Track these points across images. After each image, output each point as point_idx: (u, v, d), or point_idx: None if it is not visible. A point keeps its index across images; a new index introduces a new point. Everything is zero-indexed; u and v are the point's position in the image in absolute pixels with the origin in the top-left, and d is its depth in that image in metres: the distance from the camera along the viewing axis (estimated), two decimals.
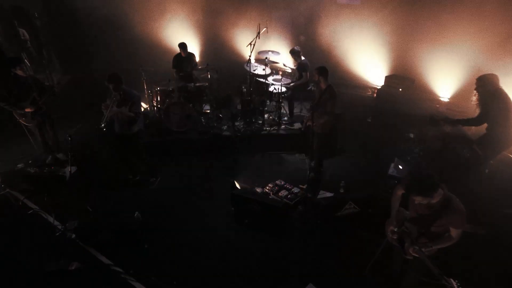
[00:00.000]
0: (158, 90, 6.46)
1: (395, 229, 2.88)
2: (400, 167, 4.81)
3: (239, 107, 6.96)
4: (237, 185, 5.02)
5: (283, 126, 6.36)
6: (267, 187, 5.13)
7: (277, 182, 5.23)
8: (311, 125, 4.83)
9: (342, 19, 7.71)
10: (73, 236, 4.20)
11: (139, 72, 6.64)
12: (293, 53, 6.50)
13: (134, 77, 6.59)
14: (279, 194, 4.97)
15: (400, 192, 3.02)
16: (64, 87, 6.76)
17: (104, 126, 4.21)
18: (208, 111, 6.63)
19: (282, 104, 6.51)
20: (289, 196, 4.93)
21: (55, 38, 7.85)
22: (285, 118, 6.57)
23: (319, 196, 4.93)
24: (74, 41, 7.81)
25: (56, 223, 4.37)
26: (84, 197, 4.53)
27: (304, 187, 5.17)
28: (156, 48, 8.28)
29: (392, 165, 4.99)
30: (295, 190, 5.05)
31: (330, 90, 4.64)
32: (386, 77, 6.77)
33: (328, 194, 5.00)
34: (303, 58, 6.56)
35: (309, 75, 6.37)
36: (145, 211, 4.53)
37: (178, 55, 6.91)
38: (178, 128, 6.12)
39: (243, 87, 6.93)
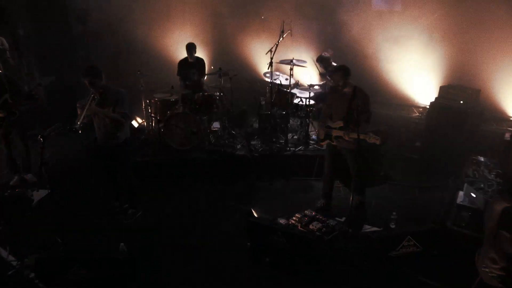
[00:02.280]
0: (157, 100, 6.19)
1: (499, 264, 2.23)
2: (473, 195, 4.26)
3: (255, 125, 6.72)
4: (255, 214, 4.62)
5: (311, 147, 6.03)
6: (294, 218, 4.62)
7: (307, 212, 4.74)
8: (339, 142, 4.49)
9: (379, 27, 7.54)
10: (32, 275, 3.74)
11: (137, 77, 6.46)
12: (321, 60, 6.31)
13: (130, 83, 6.45)
14: (310, 226, 4.43)
15: (501, 206, 2.40)
16: (45, 90, 6.60)
17: (80, 127, 3.89)
18: (217, 128, 6.41)
19: (310, 119, 6.18)
20: (323, 229, 4.38)
21: (40, 44, 7.85)
22: (314, 137, 6.24)
23: (363, 231, 4.42)
24: (64, 46, 7.78)
25: (10, 258, 3.99)
26: (54, 226, 4.14)
27: (343, 220, 4.63)
28: (159, 52, 8.23)
29: (462, 193, 4.47)
30: (331, 222, 4.53)
31: (361, 94, 4.37)
32: (442, 88, 6.35)
33: (375, 229, 4.43)
34: (334, 64, 6.33)
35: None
36: (134, 244, 4.14)
37: (184, 60, 6.71)
38: (181, 145, 5.90)
39: (261, 99, 6.69)
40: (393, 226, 4.53)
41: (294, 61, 6.26)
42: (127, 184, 4.63)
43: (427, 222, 4.27)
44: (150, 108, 6.33)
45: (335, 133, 4.53)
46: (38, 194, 5.00)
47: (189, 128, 5.85)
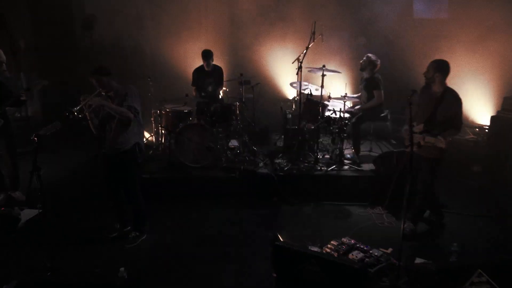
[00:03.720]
0: (169, 111, 6.14)
1: None
2: None
3: (279, 143, 6.62)
4: (281, 240, 4.19)
5: (346, 167, 5.81)
6: (329, 246, 4.25)
7: (344, 240, 4.37)
8: (420, 150, 4.32)
9: (422, 37, 7.42)
10: None
11: (146, 85, 6.44)
12: (368, 63, 6.06)
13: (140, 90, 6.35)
14: (350, 255, 4.02)
15: None
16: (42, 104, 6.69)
17: (75, 113, 3.73)
18: (235, 145, 6.30)
19: (345, 135, 5.94)
20: (366, 259, 3.96)
21: (43, 57, 8.00)
22: (349, 155, 6.08)
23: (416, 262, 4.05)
24: (68, 59, 7.94)
25: None
26: (43, 248, 3.91)
27: (389, 251, 4.22)
28: (171, 62, 8.20)
29: None
30: (376, 252, 4.12)
31: (452, 95, 4.24)
32: (506, 99, 6.01)
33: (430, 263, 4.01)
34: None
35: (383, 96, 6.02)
36: (136, 271, 3.88)
37: (200, 68, 6.65)
38: (194, 162, 5.80)
39: (287, 112, 6.53)
40: (454, 259, 4.08)
41: (325, 67, 6.02)
42: (133, 201, 4.41)
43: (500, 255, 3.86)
44: (160, 120, 6.25)
45: (414, 138, 4.32)
46: (27, 213, 4.90)
47: (204, 142, 5.75)
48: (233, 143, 6.42)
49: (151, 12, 8.29)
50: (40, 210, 4.06)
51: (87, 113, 3.96)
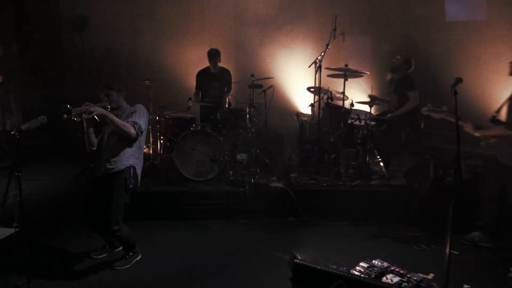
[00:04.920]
0: (169, 117, 6.03)
1: None
2: None
3: (295, 156, 6.46)
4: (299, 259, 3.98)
5: (374, 182, 5.63)
6: (358, 268, 3.90)
7: (376, 262, 4.02)
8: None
9: (457, 41, 7.21)
10: None
11: (145, 88, 6.32)
12: (403, 62, 5.88)
13: (136, 96, 6.16)
14: (383, 279, 3.66)
15: None
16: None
17: (72, 113, 3.66)
18: (243, 158, 6.20)
19: (371, 144, 5.74)
20: (404, 284, 3.62)
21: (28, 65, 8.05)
22: (377, 169, 5.93)
23: None
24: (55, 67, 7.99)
25: None
26: (17, 271, 3.85)
27: (430, 276, 3.90)
28: (171, 65, 8.19)
29: None
30: (414, 277, 3.76)
31: None
32: None
33: None
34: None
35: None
36: None
37: (205, 71, 6.61)
38: (196, 175, 5.70)
39: (303, 120, 6.40)
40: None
41: (348, 67, 5.83)
42: (112, 232, 4.08)
43: None
44: (158, 128, 6.12)
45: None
46: (1, 232, 4.72)
47: (209, 152, 5.63)
48: (242, 156, 6.29)
49: (149, 12, 8.39)
50: (17, 229, 3.92)
51: (84, 123, 3.90)
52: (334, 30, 5.70)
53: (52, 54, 8.19)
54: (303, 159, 6.04)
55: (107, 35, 8.06)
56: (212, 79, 6.49)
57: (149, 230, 4.87)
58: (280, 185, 5.52)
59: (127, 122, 3.93)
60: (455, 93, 3.43)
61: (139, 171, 4.13)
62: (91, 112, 3.78)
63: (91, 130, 3.99)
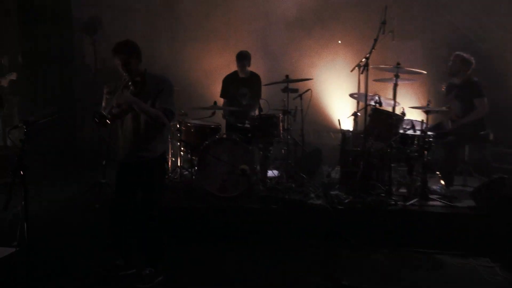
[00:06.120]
0: (191, 125, 5.94)
1: None
2: None
3: (335, 173, 6.36)
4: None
5: (433, 202, 5.40)
6: None
7: None
8: None
9: None
10: None
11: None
12: (462, 63, 5.75)
13: None
14: None
15: None
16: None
17: (107, 117, 3.68)
18: (275, 175, 6.17)
19: (429, 158, 5.49)
20: None
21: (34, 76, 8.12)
22: (436, 188, 5.69)
23: None
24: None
25: None
26: None
27: None
28: (191, 72, 8.19)
29: None
30: None
31: None
32: None
33: None
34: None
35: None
36: None
37: (232, 76, 6.54)
38: (221, 190, 5.53)
39: (345, 131, 6.18)
40: None
41: (400, 66, 5.61)
42: (150, 224, 4.18)
43: None
44: (179, 136, 6.04)
45: None
46: None
47: (237, 163, 5.46)
48: (273, 172, 6.27)
49: (167, 13, 8.45)
50: (17, 248, 4.10)
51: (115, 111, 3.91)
52: (384, 23, 5.48)
53: (61, 64, 8.23)
54: (345, 175, 5.83)
55: (121, 37, 8.16)
56: (241, 84, 6.41)
57: (169, 251, 4.67)
58: (319, 202, 5.36)
59: (157, 106, 3.90)
60: None
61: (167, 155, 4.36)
62: (120, 105, 3.81)
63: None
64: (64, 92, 8.08)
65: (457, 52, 5.85)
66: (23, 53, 8.17)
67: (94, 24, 8.17)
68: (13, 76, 5.22)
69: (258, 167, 5.80)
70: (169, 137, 4.30)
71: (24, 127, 3.51)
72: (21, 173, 3.40)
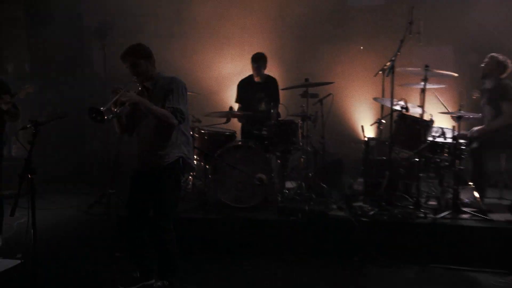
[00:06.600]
0: (204, 132, 5.93)
1: None
2: None
3: (357, 185, 6.24)
4: None
5: (466, 215, 5.25)
6: None
7: None
8: None
9: None
10: None
11: None
12: (496, 65, 5.66)
13: None
14: None
15: None
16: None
17: (103, 114, 3.61)
18: (292, 186, 6.14)
19: (461, 167, 5.37)
20: None
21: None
22: (469, 200, 5.53)
23: None
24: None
25: None
26: None
27: None
28: (204, 78, 8.18)
29: None
30: None
31: None
32: None
33: None
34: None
35: None
36: None
37: (247, 80, 6.50)
38: (237, 201, 5.52)
39: (369, 139, 6.04)
40: None
41: (429, 69, 5.53)
42: (163, 236, 4.13)
43: None
44: (193, 141, 5.89)
45: None
46: (1, 264, 4.78)
47: (253, 172, 5.45)
48: (292, 183, 6.25)
49: (179, 19, 8.51)
50: (21, 260, 4.29)
51: (116, 112, 3.85)
52: (410, 23, 5.38)
53: (70, 73, 8.29)
54: (369, 186, 5.73)
55: (131, 42, 8.22)
56: (256, 89, 6.35)
57: (183, 266, 4.55)
58: (342, 214, 5.29)
59: (166, 107, 3.82)
60: None
61: (191, 158, 4.18)
62: (124, 103, 3.72)
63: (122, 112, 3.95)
64: (72, 101, 8.15)
65: (492, 54, 5.77)
66: (31, 62, 8.28)
67: (104, 27, 8.22)
68: (31, 89, 5.30)
69: (275, 177, 5.73)
70: (188, 138, 4.16)
71: (33, 128, 3.51)
72: (29, 176, 3.38)
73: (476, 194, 5.46)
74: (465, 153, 5.42)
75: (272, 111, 6.08)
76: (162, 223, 4.03)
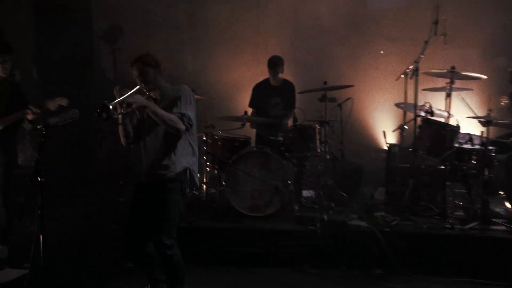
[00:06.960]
0: (217, 137, 5.87)
1: None
2: None
3: (378, 194, 6.22)
4: None
5: (497, 226, 5.16)
6: None
7: None
8: None
9: None
10: None
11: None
12: None
13: None
14: None
15: None
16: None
17: (110, 111, 3.61)
18: (310, 195, 6.12)
19: (490, 176, 5.23)
20: None
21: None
22: (500, 210, 5.47)
23: None
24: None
25: None
26: None
27: None
28: (217, 81, 8.20)
29: None
30: None
31: None
32: None
33: None
34: None
35: None
36: None
37: (263, 84, 6.45)
38: (252, 209, 5.46)
39: (389, 146, 5.98)
40: None
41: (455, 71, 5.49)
42: (165, 250, 4.07)
43: None
44: (205, 149, 5.97)
45: None
46: (8, 274, 4.86)
47: (269, 180, 5.40)
48: (309, 192, 6.19)
49: (191, 23, 8.58)
50: (29, 270, 4.11)
51: (119, 115, 3.83)
52: (436, 23, 5.37)
53: (78, 79, 8.25)
54: (391, 195, 5.67)
55: (143, 47, 8.26)
56: (272, 93, 6.29)
57: (190, 277, 4.47)
58: (363, 223, 5.20)
59: (173, 113, 3.78)
60: None
61: (195, 171, 4.12)
62: (130, 104, 3.67)
63: (128, 120, 3.87)
64: (81, 108, 8.18)
65: None
66: (37, 67, 8.33)
67: (114, 32, 8.24)
68: (64, 102, 5.23)
69: (291, 185, 5.67)
70: (194, 149, 4.10)
71: (43, 129, 3.53)
72: (39, 179, 3.38)
73: (508, 205, 5.37)
74: (495, 160, 5.27)
75: (284, 119, 6.13)
76: (164, 240, 3.98)
